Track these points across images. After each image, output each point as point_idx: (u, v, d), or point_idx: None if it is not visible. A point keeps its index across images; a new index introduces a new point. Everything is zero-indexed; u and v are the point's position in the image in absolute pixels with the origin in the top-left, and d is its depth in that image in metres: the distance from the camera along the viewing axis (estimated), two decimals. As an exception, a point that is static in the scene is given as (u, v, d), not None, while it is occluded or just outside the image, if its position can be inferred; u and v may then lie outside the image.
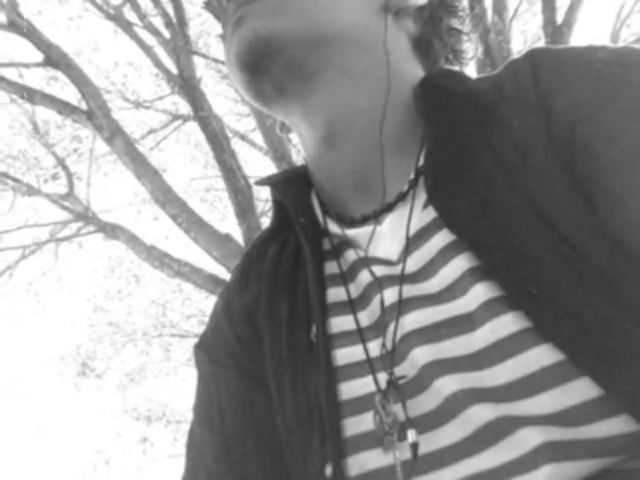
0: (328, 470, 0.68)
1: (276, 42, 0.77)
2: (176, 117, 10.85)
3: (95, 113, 7.29)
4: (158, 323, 12.23)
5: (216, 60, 9.47)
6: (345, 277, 0.81)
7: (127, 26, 8.46)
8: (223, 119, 8.08)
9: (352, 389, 0.72)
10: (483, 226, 0.67)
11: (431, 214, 0.74)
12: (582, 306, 0.60)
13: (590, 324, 0.59)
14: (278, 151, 7.33)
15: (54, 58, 7.43)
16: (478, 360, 0.65)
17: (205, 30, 10.44)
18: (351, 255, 0.82)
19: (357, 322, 0.76)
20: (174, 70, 7.75)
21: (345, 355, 0.74)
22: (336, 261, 0.83)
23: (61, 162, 9.42)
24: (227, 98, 11.48)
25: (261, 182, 0.92)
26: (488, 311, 0.65)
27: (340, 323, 0.77)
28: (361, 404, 0.71)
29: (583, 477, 0.56)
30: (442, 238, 0.72)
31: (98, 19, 9.15)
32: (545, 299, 0.62)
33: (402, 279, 0.74)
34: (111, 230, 8.30)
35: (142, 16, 8.22)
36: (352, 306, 0.78)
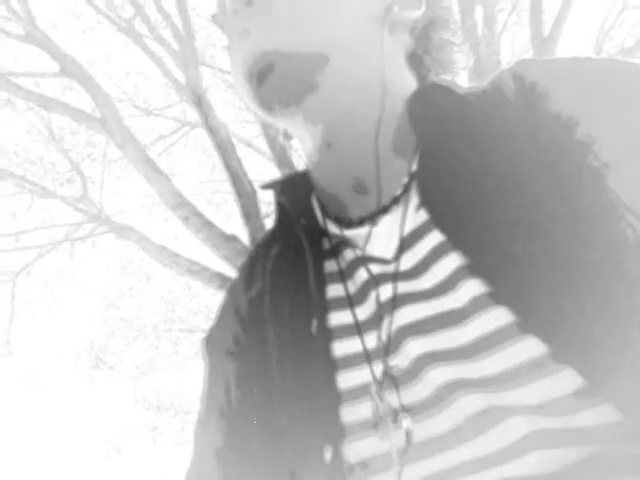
0: (327, 456, 0.69)
1: (279, 56, 0.77)
2: (184, 124, 10.85)
3: (108, 120, 7.30)
4: (167, 318, 12.24)
5: (222, 70, 9.60)
6: (343, 274, 0.82)
7: (138, 38, 8.47)
8: (229, 126, 8.07)
9: (350, 379, 0.73)
10: (471, 227, 0.69)
11: (423, 216, 0.75)
12: (564, 303, 0.61)
13: (572, 319, 0.60)
14: (281, 157, 7.38)
15: (69, 68, 7.47)
16: (469, 352, 0.66)
17: (211, 42, 10.43)
18: (349, 254, 0.83)
19: (355, 316, 0.77)
20: (182, 80, 7.74)
21: (343, 347, 0.76)
22: (335, 260, 0.84)
23: (76, 166, 9.42)
24: (233, 106, 11.38)
25: (265, 186, 0.92)
26: (477, 306, 0.66)
27: (339, 317, 0.78)
28: (358, 393, 0.72)
29: (568, 464, 0.57)
30: (434, 238, 0.73)
31: (110, 31, 9.27)
32: (530, 295, 0.63)
33: (396, 276, 0.75)
34: (123, 231, 8.25)
35: (152, 28, 8.22)
36: (350, 301, 0.79)
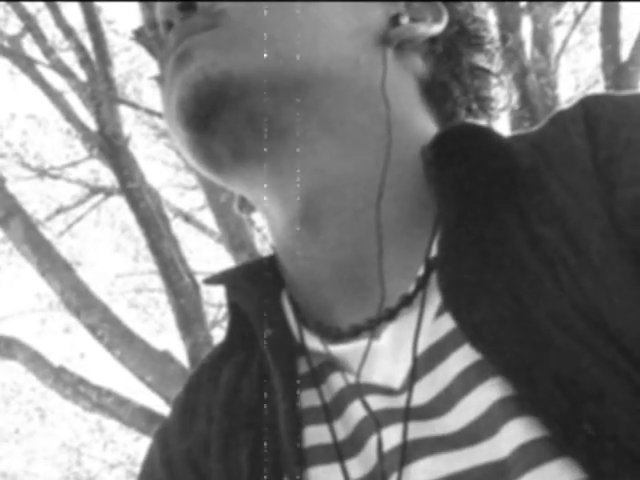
0: None
1: (235, 86, 0.68)
2: (95, 190, 9.65)
3: (-20, 185, 7.34)
4: (71, 474, 10.75)
5: (150, 111, 8.13)
6: (329, 412, 0.74)
7: (27, 64, 7.47)
8: (160, 193, 7.41)
9: None
10: (519, 342, 0.62)
11: (447, 324, 0.68)
12: None
13: None
14: (236, 237, 6.45)
15: None
16: None
17: (135, 70, 9.58)
18: (337, 381, 0.75)
19: (346, 475, 0.69)
20: (92, 125, 6.94)
21: None
22: (316, 389, 0.76)
23: None
24: (166, 164, 10.41)
25: (212, 280, 0.85)
26: (527, 458, 0.59)
27: (323, 476, 0.71)
28: None
29: None
30: (462, 358, 0.66)
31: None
32: (604, 440, 0.57)
33: (407, 414, 0.67)
34: (5, 347, 7.09)
35: (48, 51, 7.24)
36: (339, 453, 0.71)
